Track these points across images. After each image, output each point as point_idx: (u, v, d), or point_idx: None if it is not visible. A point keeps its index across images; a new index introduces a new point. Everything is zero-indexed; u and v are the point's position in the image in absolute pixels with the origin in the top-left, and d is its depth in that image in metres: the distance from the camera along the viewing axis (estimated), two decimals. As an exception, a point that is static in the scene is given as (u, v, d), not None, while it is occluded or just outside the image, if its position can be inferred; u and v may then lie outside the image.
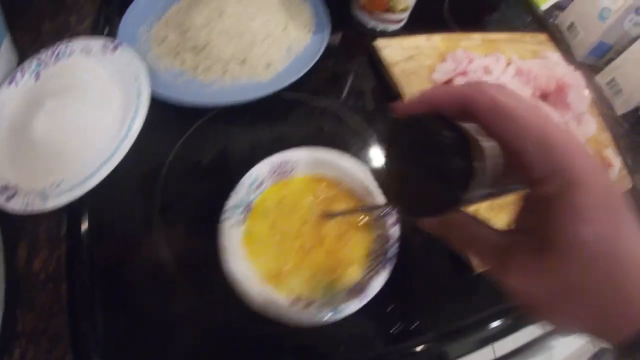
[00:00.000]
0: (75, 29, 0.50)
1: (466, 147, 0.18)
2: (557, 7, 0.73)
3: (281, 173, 0.41)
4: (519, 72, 0.58)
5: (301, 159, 0.41)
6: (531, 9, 0.72)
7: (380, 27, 0.56)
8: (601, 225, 0.18)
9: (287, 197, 0.41)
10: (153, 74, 0.45)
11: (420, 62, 0.52)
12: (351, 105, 0.48)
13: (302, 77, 0.46)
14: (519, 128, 0.18)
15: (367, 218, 0.41)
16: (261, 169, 0.39)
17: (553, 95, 0.57)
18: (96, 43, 0.46)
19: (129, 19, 0.49)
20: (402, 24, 0.57)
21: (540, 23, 0.70)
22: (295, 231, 0.40)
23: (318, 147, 0.41)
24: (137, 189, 0.41)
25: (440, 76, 0.50)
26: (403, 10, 0.55)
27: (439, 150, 0.19)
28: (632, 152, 0.69)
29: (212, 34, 0.47)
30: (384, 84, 0.51)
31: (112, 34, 0.49)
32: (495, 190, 0.21)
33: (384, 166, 0.23)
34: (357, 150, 0.45)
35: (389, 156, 0.23)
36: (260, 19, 0.49)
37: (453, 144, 0.19)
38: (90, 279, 0.36)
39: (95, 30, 0.50)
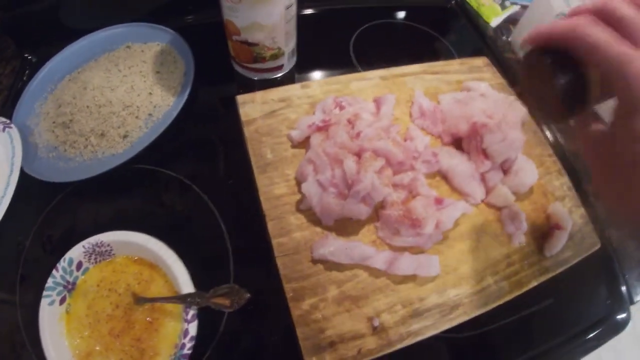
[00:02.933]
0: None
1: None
2: (511, 21, 0.58)
3: (100, 254, 0.42)
4: (421, 113, 0.48)
5: (116, 242, 0.41)
6: (478, 29, 0.59)
7: (257, 77, 0.52)
8: None
9: (106, 278, 0.42)
10: (32, 149, 0.50)
11: (282, 118, 0.47)
12: (198, 176, 0.46)
13: (157, 146, 0.46)
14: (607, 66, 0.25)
15: (178, 308, 0.40)
16: (75, 252, 0.41)
17: (466, 140, 0.47)
18: (-6, 123, 0.53)
19: (27, 94, 0.54)
20: (282, 71, 0.52)
21: (488, 43, 0.57)
22: (107, 314, 0.40)
23: (133, 232, 0.41)
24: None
25: (297, 134, 0.45)
26: (275, 57, 0.50)
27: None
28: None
29: (76, 108, 0.49)
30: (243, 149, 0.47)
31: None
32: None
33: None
34: (191, 230, 0.44)
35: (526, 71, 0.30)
36: (123, 88, 0.50)
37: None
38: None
39: (4, 105, 0.56)
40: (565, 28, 0.27)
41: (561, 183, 0.50)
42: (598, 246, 0.49)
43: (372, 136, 0.42)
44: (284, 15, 0.47)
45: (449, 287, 0.42)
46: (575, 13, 0.29)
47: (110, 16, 0.58)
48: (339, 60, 0.56)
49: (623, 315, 0.50)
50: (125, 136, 0.48)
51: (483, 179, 0.46)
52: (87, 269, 0.42)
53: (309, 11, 0.59)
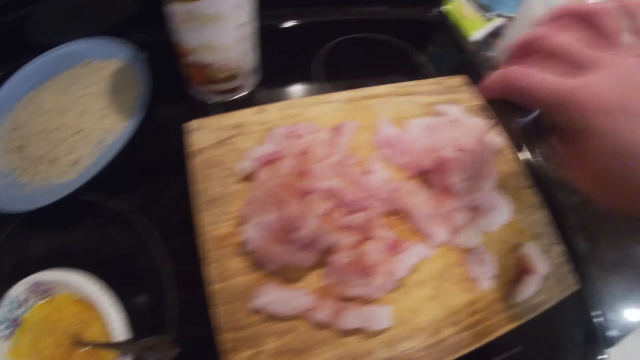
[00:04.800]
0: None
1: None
2: (495, 35, 0.52)
3: (43, 292, 0.41)
4: (385, 142, 0.44)
5: (56, 281, 0.40)
6: (458, 43, 0.53)
7: (214, 99, 0.49)
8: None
9: (48, 316, 0.41)
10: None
11: (233, 147, 0.44)
12: (147, 209, 0.44)
13: (107, 175, 0.44)
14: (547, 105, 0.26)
15: (115, 353, 0.38)
16: (17, 290, 0.40)
17: (431, 174, 0.43)
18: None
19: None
20: (240, 92, 0.48)
21: (469, 59, 0.51)
22: (49, 353, 0.40)
23: (71, 271, 0.40)
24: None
25: (245, 167, 0.41)
26: (231, 79, 0.46)
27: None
28: (593, 228, 0.47)
29: (30, 132, 0.48)
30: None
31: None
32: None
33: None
34: (135, 269, 0.42)
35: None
36: (76, 111, 0.48)
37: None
38: None
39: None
40: (495, 84, 0.28)
41: (538, 218, 0.45)
42: (577, 288, 0.45)
43: (322, 174, 0.38)
44: (238, 35, 0.43)
45: (401, 339, 0.38)
46: (508, 53, 0.30)
47: (77, 29, 0.55)
48: (306, 80, 0.51)
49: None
50: (75, 163, 0.46)
51: (448, 218, 0.42)
52: (31, 306, 0.42)
53: (274, 25, 0.55)
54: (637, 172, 0.25)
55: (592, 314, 0.47)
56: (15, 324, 0.41)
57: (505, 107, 0.29)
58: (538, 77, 0.26)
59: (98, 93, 0.50)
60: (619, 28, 0.26)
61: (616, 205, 0.29)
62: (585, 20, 0.27)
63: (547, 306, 0.43)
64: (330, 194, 0.38)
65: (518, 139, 0.31)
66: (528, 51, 0.28)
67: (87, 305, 0.41)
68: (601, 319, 0.47)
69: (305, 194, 0.38)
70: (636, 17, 0.26)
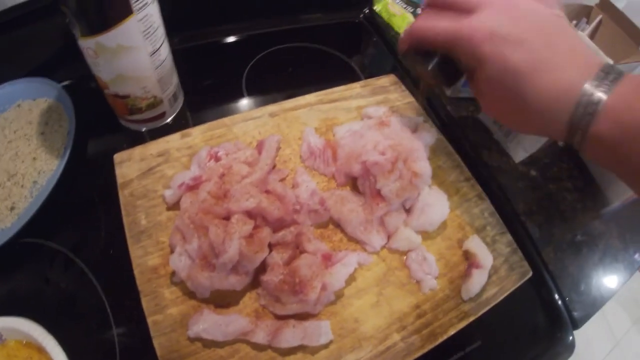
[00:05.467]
0: None
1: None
2: None
3: (-9, 340, 0.41)
4: (311, 153, 0.43)
5: (5, 327, 0.40)
6: (388, 43, 0.52)
7: (142, 128, 0.48)
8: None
9: (1, 363, 0.42)
10: None
11: (159, 175, 0.43)
12: (82, 248, 0.44)
13: (43, 216, 0.44)
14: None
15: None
16: (-39, 341, 0.41)
17: (360, 180, 0.42)
18: None
19: None
20: (164, 118, 0.48)
21: (399, 59, 0.50)
22: (2, 401, 0.40)
23: (14, 317, 0.40)
24: None
25: (170, 195, 0.41)
26: (152, 106, 0.46)
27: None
28: (544, 211, 0.47)
29: (-35, 183, 0.48)
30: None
31: None
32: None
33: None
34: (75, 311, 0.42)
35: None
36: (8, 156, 0.48)
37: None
38: None
39: None
40: (405, 37, 0.36)
41: (481, 210, 0.44)
42: (529, 275, 0.44)
43: (241, 195, 0.38)
44: (151, 63, 0.42)
45: (345, 352, 0.38)
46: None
47: (3, 72, 0.55)
48: (236, 97, 0.51)
49: (567, 343, 0.46)
50: (12, 208, 0.46)
51: (382, 222, 0.41)
52: (-20, 355, 0.42)
53: (198, 45, 0.54)
54: (521, 89, 0.30)
55: (554, 297, 0.47)
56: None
57: (415, 57, 0.36)
58: (432, 22, 0.34)
59: (28, 135, 0.49)
60: None
61: (516, 125, 0.35)
62: None
63: (499, 299, 0.42)
64: (252, 214, 0.38)
65: (435, 81, 0.38)
66: (429, 6, 0.36)
67: (36, 349, 0.41)
68: (564, 301, 0.46)
69: (228, 216, 0.38)
70: None
